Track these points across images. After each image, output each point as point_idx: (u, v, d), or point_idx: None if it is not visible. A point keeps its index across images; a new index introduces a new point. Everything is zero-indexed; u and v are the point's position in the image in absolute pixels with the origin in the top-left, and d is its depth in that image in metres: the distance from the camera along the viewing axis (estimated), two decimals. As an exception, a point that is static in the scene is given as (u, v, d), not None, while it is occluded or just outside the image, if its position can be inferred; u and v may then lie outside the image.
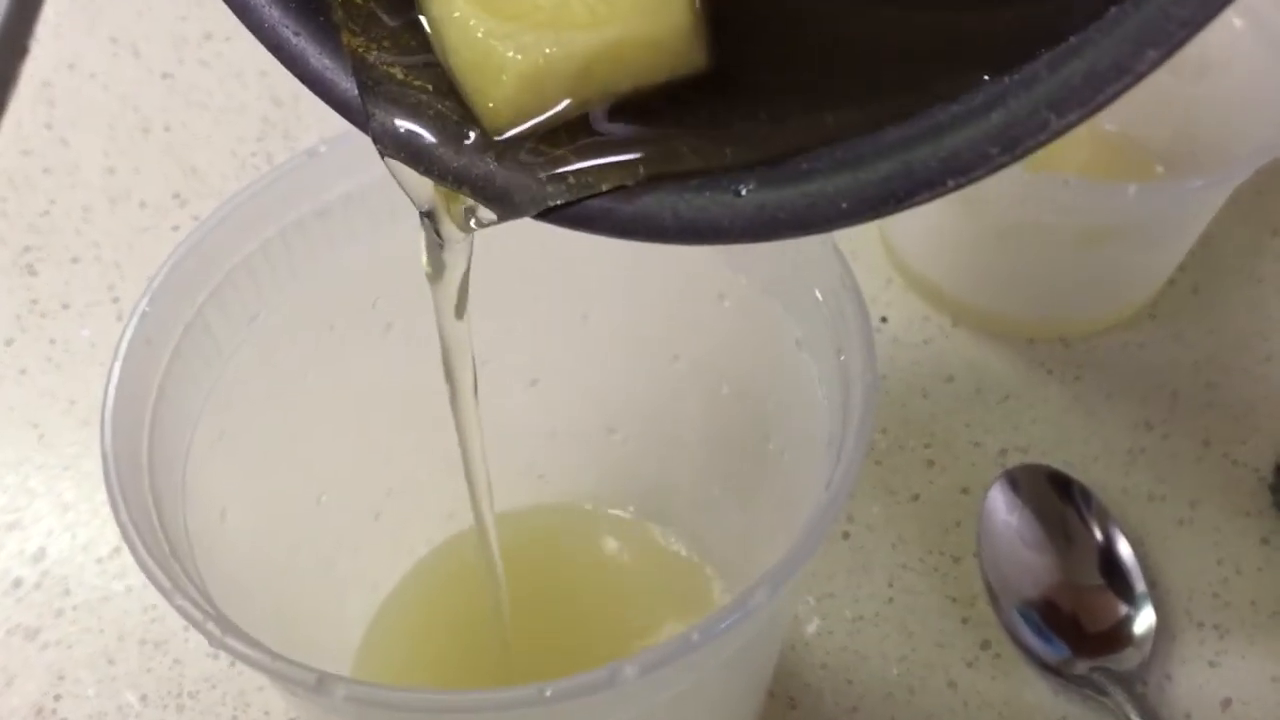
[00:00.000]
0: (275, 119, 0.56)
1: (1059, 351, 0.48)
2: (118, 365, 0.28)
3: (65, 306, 0.50)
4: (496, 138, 0.22)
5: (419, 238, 0.26)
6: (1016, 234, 0.44)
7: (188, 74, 0.58)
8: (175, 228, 0.52)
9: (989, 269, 0.47)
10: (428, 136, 0.22)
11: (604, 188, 0.21)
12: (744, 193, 0.20)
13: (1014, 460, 0.44)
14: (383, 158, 0.23)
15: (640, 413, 0.40)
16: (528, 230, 0.29)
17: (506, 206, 0.22)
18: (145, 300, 0.29)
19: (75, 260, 0.51)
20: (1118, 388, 0.47)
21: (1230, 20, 0.46)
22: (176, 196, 0.53)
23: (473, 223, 0.25)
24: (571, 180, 0.22)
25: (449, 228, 0.25)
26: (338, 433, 0.37)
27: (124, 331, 0.28)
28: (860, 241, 0.51)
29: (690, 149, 0.21)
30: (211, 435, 0.31)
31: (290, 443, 0.35)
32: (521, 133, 0.22)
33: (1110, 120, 0.51)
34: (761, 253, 0.31)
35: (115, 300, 0.50)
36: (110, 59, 0.58)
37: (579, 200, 0.21)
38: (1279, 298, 0.49)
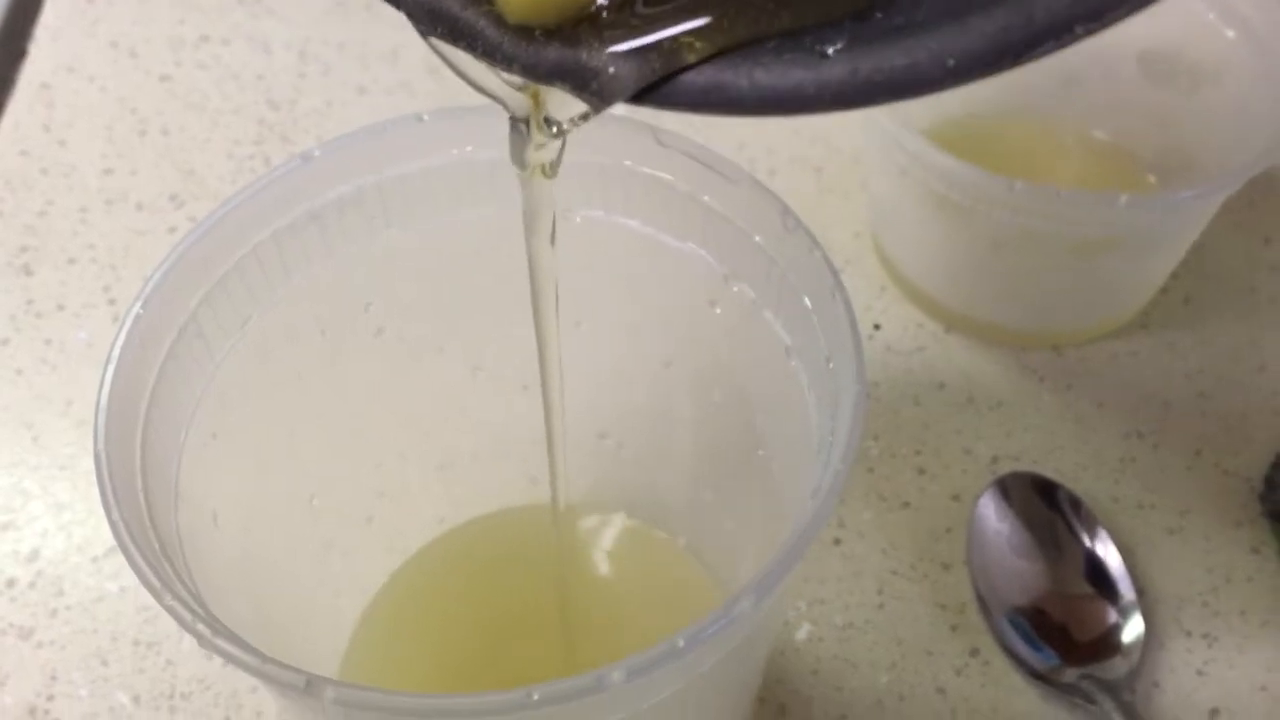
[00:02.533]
0: (272, 121, 0.56)
1: (1051, 360, 0.48)
2: (111, 368, 0.28)
3: (61, 307, 0.50)
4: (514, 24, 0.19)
5: (506, 138, 0.24)
6: (1009, 243, 0.44)
7: (185, 76, 0.58)
8: (172, 229, 0.52)
9: (982, 278, 0.47)
10: (464, 7, 0.20)
11: (689, 59, 0.18)
12: (831, 53, 0.17)
13: (1005, 468, 0.45)
14: (424, 39, 0.20)
15: (632, 418, 0.40)
16: (520, 235, 0.29)
17: (581, 89, 0.19)
18: (138, 304, 0.29)
19: (72, 261, 0.51)
20: (1109, 397, 0.47)
21: (1222, 31, 0.46)
22: (173, 198, 0.53)
23: (554, 129, 0.22)
24: (639, 54, 0.19)
25: (537, 135, 0.23)
26: (330, 435, 0.37)
27: (117, 335, 0.28)
28: (854, 249, 0.51)
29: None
30: (204, 437, 0.31)
31: (283, 445, 0.35)
32: (544, 23, 0.19)
33: (1102, 130, 0.51)
34: (752, 260, 0.32)
35: (111, 302, 0.50)
36: (109, 61, 0.59)
37: (662, 81, 0.18)
38: (1271, 308, 0.50)
